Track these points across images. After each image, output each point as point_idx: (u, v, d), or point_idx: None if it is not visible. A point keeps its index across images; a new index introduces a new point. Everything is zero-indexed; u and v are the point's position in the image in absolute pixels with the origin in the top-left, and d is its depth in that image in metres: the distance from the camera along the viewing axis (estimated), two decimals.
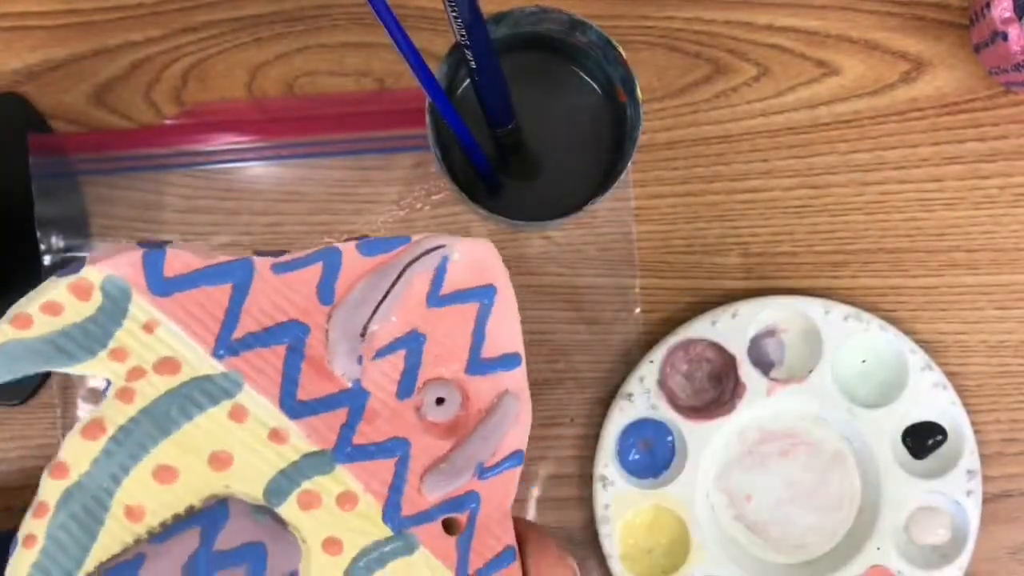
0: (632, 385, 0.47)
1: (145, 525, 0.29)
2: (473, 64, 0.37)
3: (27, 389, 0.48)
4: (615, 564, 0.47)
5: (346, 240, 0.30)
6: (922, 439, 0.48)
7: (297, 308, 0.30)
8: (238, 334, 0.29)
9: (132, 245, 0.29)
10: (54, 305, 0.28)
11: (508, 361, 0.31)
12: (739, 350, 0.47)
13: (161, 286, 0.28)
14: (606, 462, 0.47)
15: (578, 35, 0.40)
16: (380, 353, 0.30)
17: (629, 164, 0.39)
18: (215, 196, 0.48)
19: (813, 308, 0.47)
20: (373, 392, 0.30)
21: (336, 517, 0.29)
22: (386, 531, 0.30)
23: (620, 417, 0.47)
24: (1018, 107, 0.49)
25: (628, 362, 0.48)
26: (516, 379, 0.31)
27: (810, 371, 0.47)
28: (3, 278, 0.48)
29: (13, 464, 0.48)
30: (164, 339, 0.29)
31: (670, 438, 0.48)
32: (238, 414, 0.29)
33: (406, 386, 0.30)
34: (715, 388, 0.48)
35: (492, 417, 0.31)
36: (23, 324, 0.28)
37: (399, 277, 0.30)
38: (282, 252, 0.30)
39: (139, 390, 0.29)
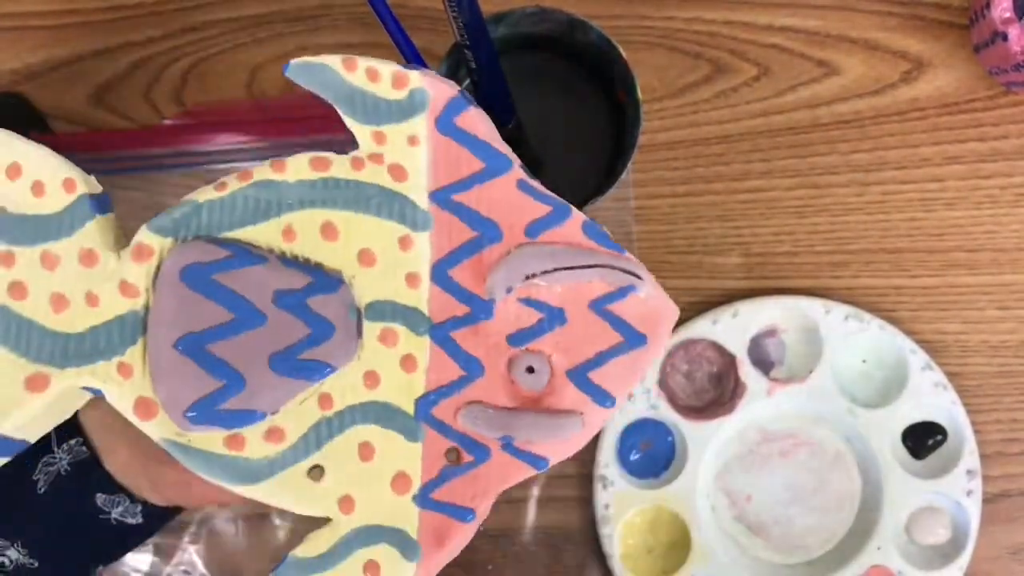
0: None
1: (298, 245, 0.32)
2: (473, 64, 0.37)
3: None
4: (615, 564, 0.47)
5: (580, 210, 0.33)
6: (922, 439, 0.48)
7: (508, 220, 0.32)
8: (458, 197, 0.32)
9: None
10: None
11: (603, 396, 0.32)
12: (739, 350, 0.47)
13: (448, 125, 0.32)
14: (606, 462, 0.47)
15: (578, 35, 0.40)
16: (526, 301, 0.32)
17: (629, 164, 0.39)
18: None
19: (813, 308, 0.47)
20: (495, 319, 0.32)
21: (390, 367, 0.32)
22: (409, 409, 0.32)
23: (620, 417, 0.47)
24: (1018, 107, 0.49)
25: None
26: (596, 413, 0.33)
27: (810, 371, 0.47)
28: None
29: None
30: (402, 149, 0.32)
31: (670, 438, 0.48)
32: (405, 242, 0.32)
33: (520, 338, 0.32)
34: (715, 388, 0.48)
35: (552, 418, 0.32)
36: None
37: (591, 267, 0.32)
38: (535, 177, 0.33)
39: (367, 172, 0.32)
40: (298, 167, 0.32)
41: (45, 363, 0.31)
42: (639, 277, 0.32)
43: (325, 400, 0.32)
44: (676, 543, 0.47)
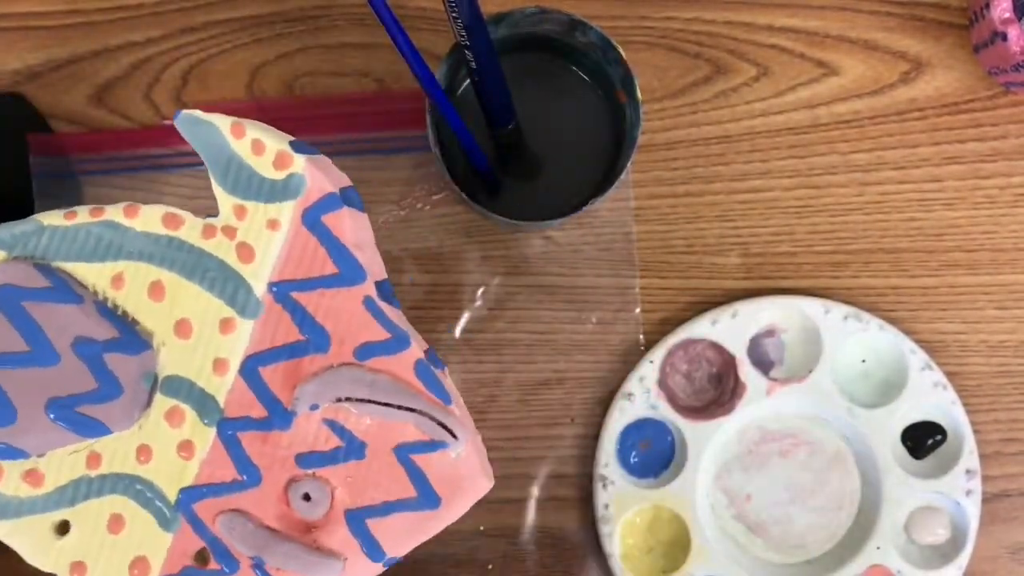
0: (632, 385, 0.47)
1: (122, 295, 0.31)
2: (473, 64, 0.37)
3: None
4: (615, 564, 0.47)
5: (421, 345, 0.31)
6: (922, 439, 0.48)
7: (341, 334, 0.30)
8: (298, 295, 0.30)
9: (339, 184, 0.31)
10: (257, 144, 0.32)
11: (374, 548, 0.30)
12: (739, 350, 0.47)
13: (314, 220, 0.31)
14: (606, 462, 0.47)
15: (578, 35, 0.40)
16: (330, 423, 0.30)
17: (629, 164, 0.39)
18: (215, 196, 0.48)
19: (813, 308, 0.47)
20: (291, 433, 0.30)
21: (166, 447, 0.31)
22: (172, 496, 0.30)
23: (620, 417, 0.47)
24: (1018, 107, 0.49)
25: (628, 362, 0.48)
26: (362, 563, 0.31)
27: (810, 371, 0.47)
28: None
29: None
30: (258, 230, 0.31)
31: (670, 438, 0.48)
32: (227, 326, 0.30)
33: (310, 460, 0.31)
34: (715, 388, 0.48)
35: (311, 554, 0.30)
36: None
37: (408, 409, 0.30)
38: (392, 294, 0.31)
39: (214, 242, 0.31)
40: (149, 218, 0.31)
41: None
42: (455, 436, 0.30)
43: (94, 459, 0.30)
44: (676, 543, 0.47)
